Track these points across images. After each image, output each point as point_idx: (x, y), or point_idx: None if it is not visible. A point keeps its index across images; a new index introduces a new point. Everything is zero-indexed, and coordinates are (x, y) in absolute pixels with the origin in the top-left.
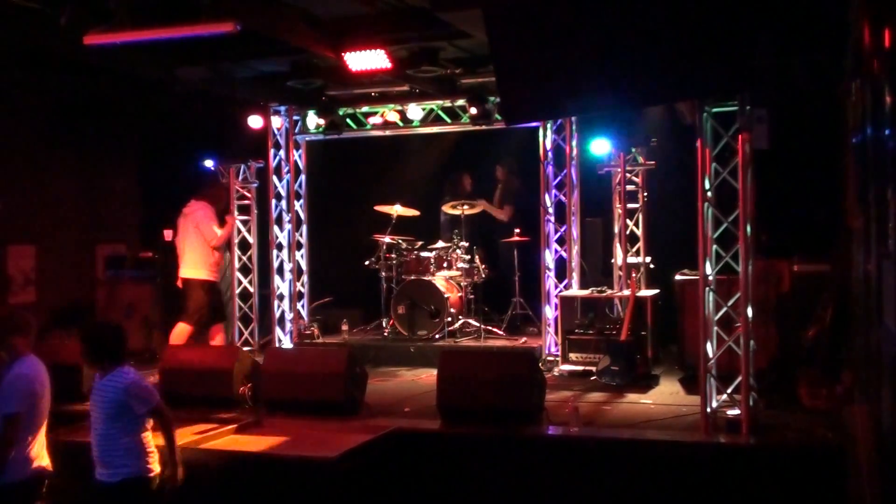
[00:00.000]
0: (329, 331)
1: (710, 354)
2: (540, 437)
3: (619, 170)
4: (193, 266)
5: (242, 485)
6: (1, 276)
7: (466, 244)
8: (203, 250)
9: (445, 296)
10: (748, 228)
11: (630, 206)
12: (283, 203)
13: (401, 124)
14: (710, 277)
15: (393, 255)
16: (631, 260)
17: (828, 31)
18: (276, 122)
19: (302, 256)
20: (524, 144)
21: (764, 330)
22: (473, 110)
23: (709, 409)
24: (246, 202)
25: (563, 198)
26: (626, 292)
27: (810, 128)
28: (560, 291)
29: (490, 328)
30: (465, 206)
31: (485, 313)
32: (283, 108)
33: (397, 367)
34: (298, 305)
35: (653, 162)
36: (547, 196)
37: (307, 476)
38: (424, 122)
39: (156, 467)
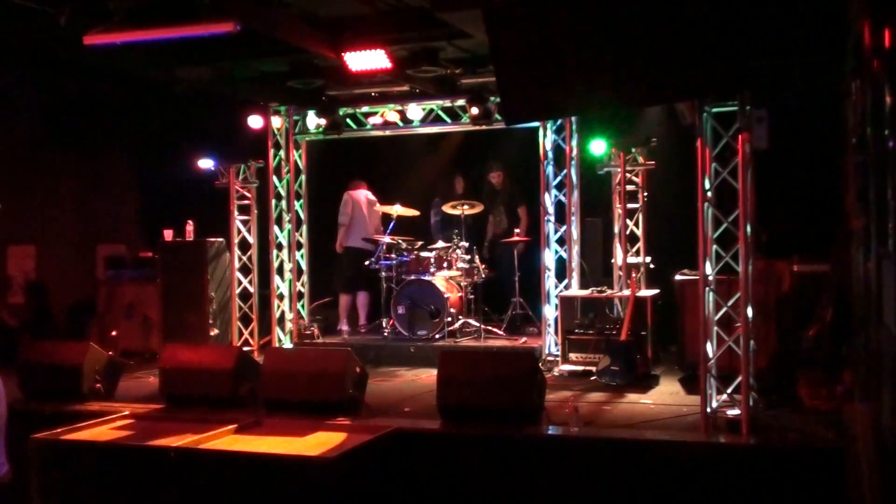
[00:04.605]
0: (329, 331)
1: (710, 354)
2: (540, 437)
3: (619, 170)
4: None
5: (242, 485)
6: (1, 276)
7: (466, 244)
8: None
9: (445, 296)
10: (748, 228)
11: (630, 206)
12: (283, 203)
13: (401, 124)
14: (710, 277)
15: (393, 255)
16: (631, 260)
17: (828, 31)
18: (276, 122)
19: (302, 256)
20: (524, 144)
21: (764, 330)
22: (473, 110)
23: (709, 409)
24: (246, 202)
25: (562, 198)
26: (626, 292)
27: (810, 128)
28: (560, 291)
29: (490, 328)
30: (465, 206)
31: (485, 313)
32: (283, 108)
33: (397, 367)
34: (298, 305)
35: (653, 162)
36: (547, 196)
37: (307, 476)
38: (424, 122)
39: None
